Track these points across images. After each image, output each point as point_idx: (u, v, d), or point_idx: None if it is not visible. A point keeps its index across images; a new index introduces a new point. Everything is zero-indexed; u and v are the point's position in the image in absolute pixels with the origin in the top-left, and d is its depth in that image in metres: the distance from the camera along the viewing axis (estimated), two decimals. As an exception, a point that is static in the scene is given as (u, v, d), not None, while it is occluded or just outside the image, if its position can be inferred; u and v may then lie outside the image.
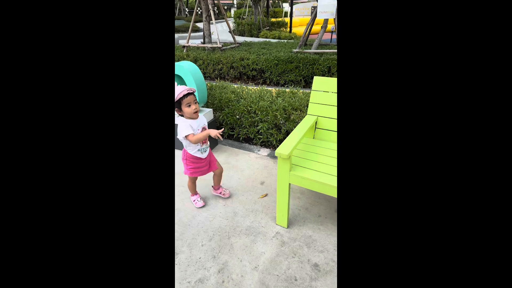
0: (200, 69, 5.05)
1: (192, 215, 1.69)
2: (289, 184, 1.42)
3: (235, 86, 2.79)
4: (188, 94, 1.39)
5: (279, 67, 4.37)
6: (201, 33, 5.29)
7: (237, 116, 2.44)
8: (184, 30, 11.69)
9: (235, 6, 22.25)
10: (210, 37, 5.42)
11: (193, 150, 1.54)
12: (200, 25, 13.40)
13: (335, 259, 1.37)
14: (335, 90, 1.65)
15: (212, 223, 1.63)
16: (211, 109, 2.39)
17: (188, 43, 5.42)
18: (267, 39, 7.40)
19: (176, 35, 8.94)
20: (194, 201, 1.75)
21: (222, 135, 1.47)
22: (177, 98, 1.38)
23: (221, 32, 8.65)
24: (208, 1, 4.91)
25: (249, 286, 1.25)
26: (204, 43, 5.50)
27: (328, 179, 1.32)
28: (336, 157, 1.51)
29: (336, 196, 1.31)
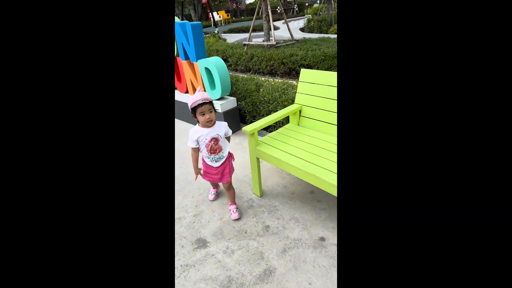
0: (255, 65, 5.55)
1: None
2: (257, 158, 1.71)
3: (263, 79, 3.12)
4: (204, 103, 1.37)
5: (326, 63, 4.41)
6: (275, 32, 5.75)
7: (258, 105, 2.78)
8: (260, 29, 12.50)
9: (318, 2, 21.92)
10: (269, 35, 5.82)
11: (204, 153, 1.54)
12: (278, 24, 14.13)
13: (286, 226, 1.59)
14: (320, 82, 1.80)
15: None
16: (235, 98, 2.81)
17: (248, 41, 5.97)
18: (327, 35, 7.28)
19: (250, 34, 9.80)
20: (209, 194, 1.87)
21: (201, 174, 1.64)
22: (192, 106, 1.38)
23: (285, 30, 8.92)
24: (268, 2, 5.31)
25: (210, 229, 1.63)
26: (264, 41, 5.94)
27: (284, 156, 1.54)
28: (307, 141, 1.69)
29: (287, 170, 1.52)
